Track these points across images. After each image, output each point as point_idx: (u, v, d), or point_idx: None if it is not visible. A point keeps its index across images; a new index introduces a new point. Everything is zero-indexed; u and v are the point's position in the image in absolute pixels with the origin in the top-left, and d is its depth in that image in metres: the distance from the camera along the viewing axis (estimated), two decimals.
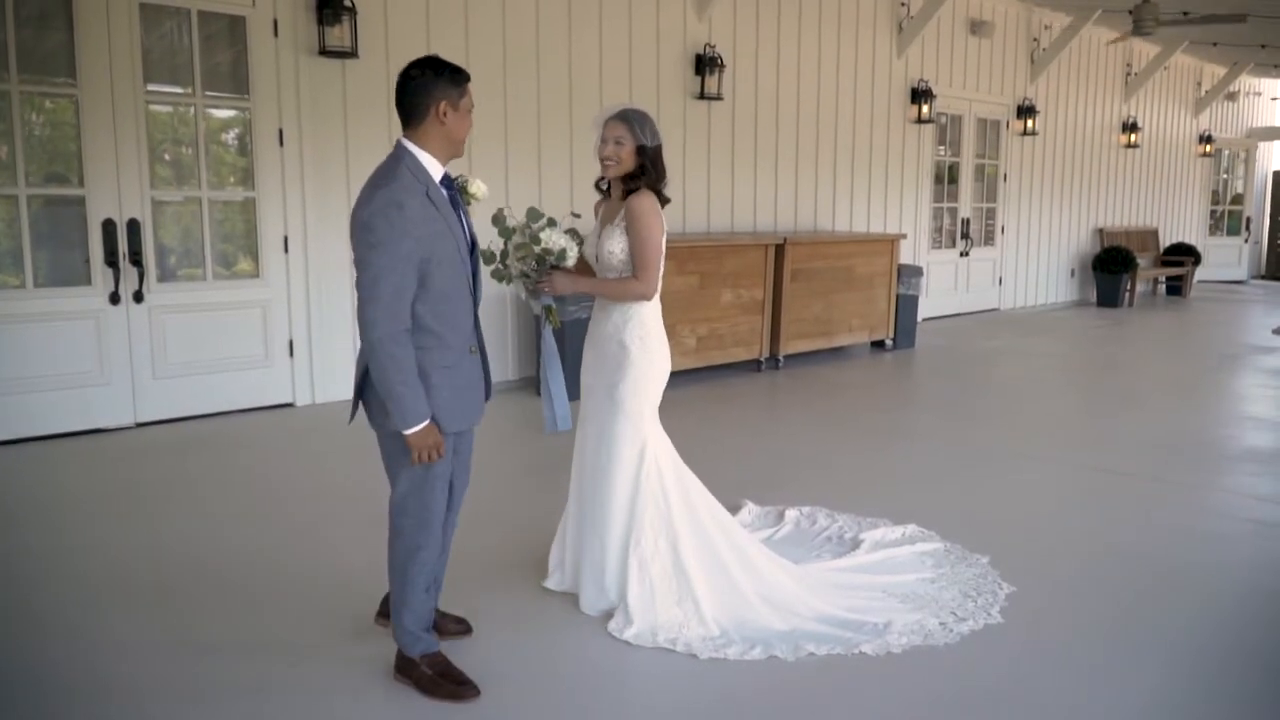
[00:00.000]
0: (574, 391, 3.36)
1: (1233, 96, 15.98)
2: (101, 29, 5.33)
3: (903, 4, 9.83)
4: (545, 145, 7.08)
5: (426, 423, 2.56)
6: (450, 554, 2.99)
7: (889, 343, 8.91)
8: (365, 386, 2.67)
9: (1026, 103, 11.61)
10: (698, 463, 3.44)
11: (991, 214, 11.72)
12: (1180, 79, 14.73)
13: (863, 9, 9.47)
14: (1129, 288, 12.73)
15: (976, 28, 10.77)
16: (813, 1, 8.95)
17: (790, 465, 5.14)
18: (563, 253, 2.98)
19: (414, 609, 2.76)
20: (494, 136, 6.79)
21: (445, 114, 2.59)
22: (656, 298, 3.26)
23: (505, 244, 3.02)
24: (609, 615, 3.19)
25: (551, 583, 3.46)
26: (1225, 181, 16.81)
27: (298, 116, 5.99)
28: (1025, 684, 2.88)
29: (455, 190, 2.70)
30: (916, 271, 9.03)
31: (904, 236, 9.32)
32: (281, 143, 5.97)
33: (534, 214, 3.01)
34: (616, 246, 3.17)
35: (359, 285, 2.51)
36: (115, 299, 5.51)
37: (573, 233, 3.05)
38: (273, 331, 6.10)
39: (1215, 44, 12.81)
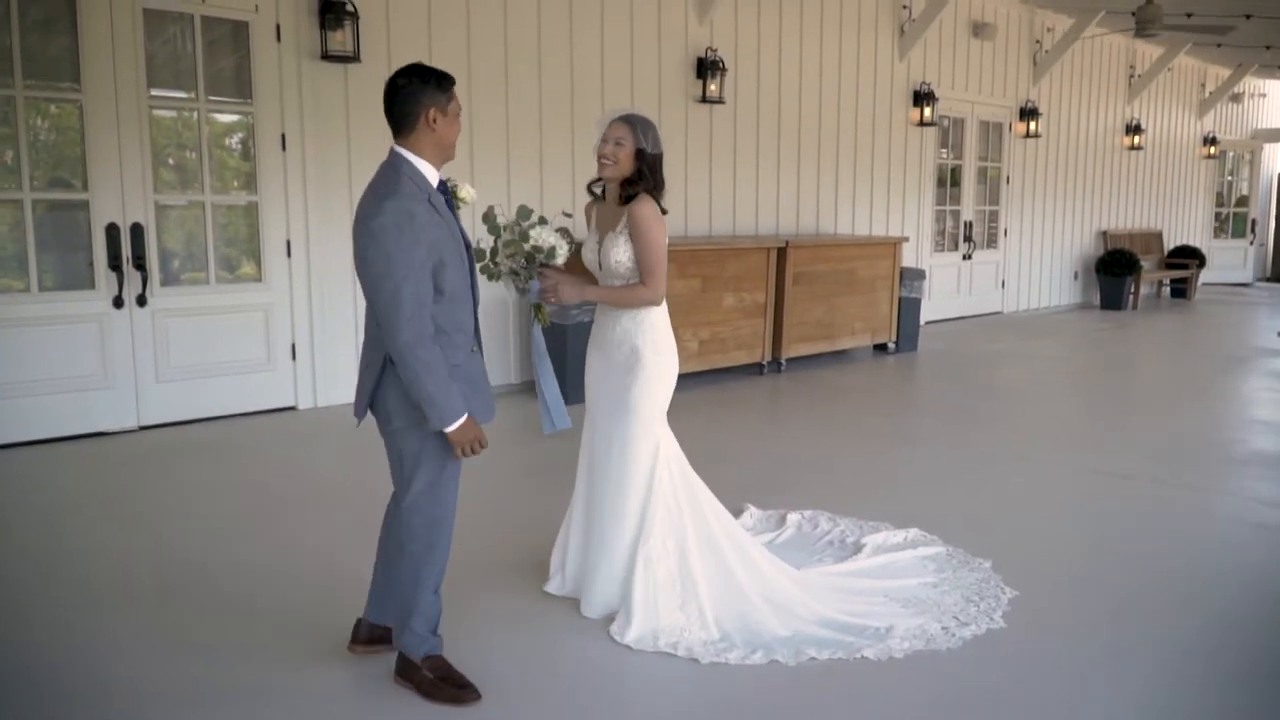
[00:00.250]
0: (577, 395, 3.36)
1: (1237, 98, 15.95)
2: (105, 34, 5.35)
3: (904, 6, 9.83)
4: (547, 149, 7.09)
5: (465, 418, 2.61)
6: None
7: (891, 346, 8.90)
8: (377, 391, 2.68)
9: (1029, 105, 11.60)
10: (700, 466, 3.44)
11: (994, 217, 11.70)
12: (1184, 80, 14.71)
13: (864, 12, 9.47)
14: (1133, 290, 12.71)
15: (978, 30, 10.77)
16: (814, 4, 8.96)
17: (792, 469, 5.13)
18: (552, 250, 2.97)
19: (424, 611, 2.76)
20: (496, 140, 6.80)
21: (435, 120, 2.62)
22: (664, 301, 3.27)
23: (495, 241, 3.03)
24: (611, 619, 3.19)
25: (552, 586, 3.45)
26: (1230, 183, 16.77)
27: (300, 121, 6.00)
28: (1028, 689, 2.87)
29: (449, 194, 2.72)
30: (919, 275, 9.03)
31: (906, 240, 9.31)
32: (284, 147, 5.99)
33: (524, 212, 3.01)
34: (623, 255, 3.17)
35: (378, 297, 2.52)
36: (119, 303, 5.53)
37: (564, 231, 3.04)
38: (275, 335, 6.11)
39: (1219, 45, 12.78)
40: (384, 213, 2.50)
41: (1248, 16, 9.93)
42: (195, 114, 5.77)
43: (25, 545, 3.94)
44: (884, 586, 3.51)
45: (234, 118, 5.97)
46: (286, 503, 4.46)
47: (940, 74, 10.43)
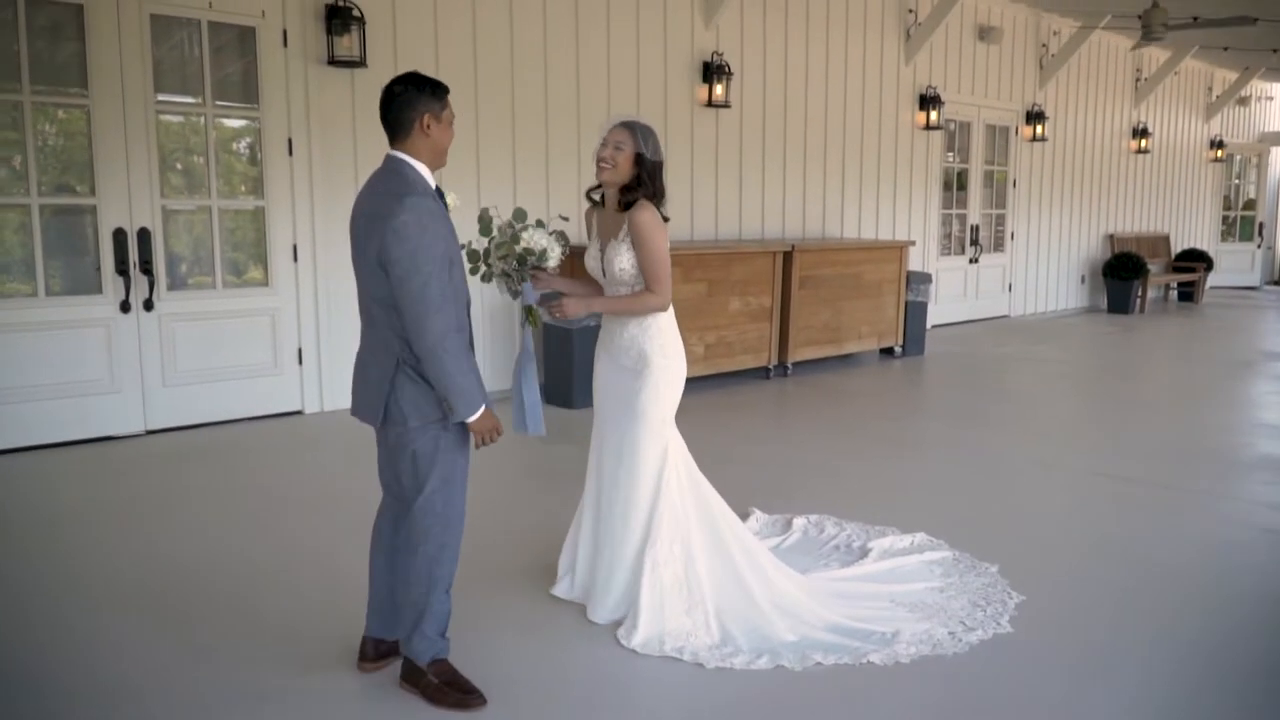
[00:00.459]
0: (585, 398, 3.35)
1: (1244, 101, 15.91)
2: (113, 40, 5.37)
3: (910, 10, 9.83)
4: (553, 154, 7.09)
5: (485, 407, 2.68)
6: None
7: (898, 350, 8.88)
8: (391, 393, 2.69)
9: (1036, 108, 11.58)
10: (706, 470, 3.43)
11: (1001, 220, 11.69)
12: (1191, 84, 14.68)
13: (870, 16, 9.47)
14: (1140, 294, 12.67)
15: (985, 34, 10.76)
16: (819, 8, 8.96)
17: (798, 473, 5.12)
18: (544, 253, 2.96)
19: (435, 613, 2.77)
20: (501, 145, 6.81)
21: (429, 126, 2.68)
22: (671, 306, 3.27)
23: (488, 243, 3.02)
24: (618, 624, 3.19)
25: (559, 590, 3.45)
26: (1237, 187, 16.73)
27: (307, 125, 6.02)
28: (1035, 694, 2.86)
29: (443, 197, 2.77)
30: (925, 278, 9.01)
31: (913, 243, 9.30)
32: (291, 152, 6.00)
33: (520, 214, 3.01)
34: (626, 263, 3.17)
35: (405, 293, 2.55)
36: (126, 307, 5.54)
37: (559, 235, 3.02)
38: (282, 339, 6.12)
39: (1226, 48, 12.75)
40: (406, 209, 2.54)
41: (1254, 21, 9.89)
42: (202, 119, 5.79)
43: (30, 549, 3.94)
44: (890, 591, 3.50)
45: (240, 123, 5.99)
46: (293, 507, 4.46)
47: (946, 78, 10.42)
